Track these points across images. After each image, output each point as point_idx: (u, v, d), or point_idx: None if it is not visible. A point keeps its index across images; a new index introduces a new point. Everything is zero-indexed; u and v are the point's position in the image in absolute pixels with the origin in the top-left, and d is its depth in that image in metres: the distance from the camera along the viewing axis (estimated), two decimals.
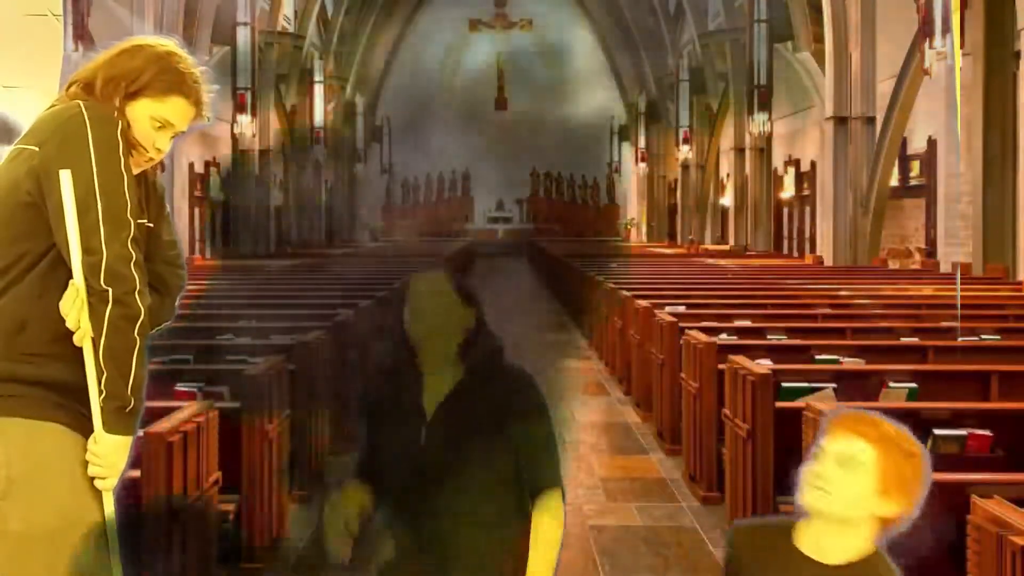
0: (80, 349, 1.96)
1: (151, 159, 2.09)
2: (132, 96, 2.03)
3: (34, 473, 1.94)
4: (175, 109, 2.06)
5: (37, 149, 1.95)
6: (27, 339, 1.96)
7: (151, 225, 2.10)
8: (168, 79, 2.05)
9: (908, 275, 13.46)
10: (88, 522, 1.98)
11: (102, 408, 1.95)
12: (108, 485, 1.98)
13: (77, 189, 1.91)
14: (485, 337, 2.21)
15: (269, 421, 4.50)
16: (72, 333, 1.95)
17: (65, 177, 1.91)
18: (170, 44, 2.10)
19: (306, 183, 30.19)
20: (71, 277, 1.94)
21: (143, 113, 2.04)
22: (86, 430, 1.99)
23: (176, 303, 2.19)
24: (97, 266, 1.90)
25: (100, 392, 1.94)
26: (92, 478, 1.99)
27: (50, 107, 2.05)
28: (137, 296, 1.93)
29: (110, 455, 1.96)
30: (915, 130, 18.06)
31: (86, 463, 1.99)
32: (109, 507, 2.01)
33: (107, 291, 1.90)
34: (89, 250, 1.90)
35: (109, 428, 1.95)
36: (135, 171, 2.04)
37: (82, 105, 1.97)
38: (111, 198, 1.92)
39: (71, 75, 2.11)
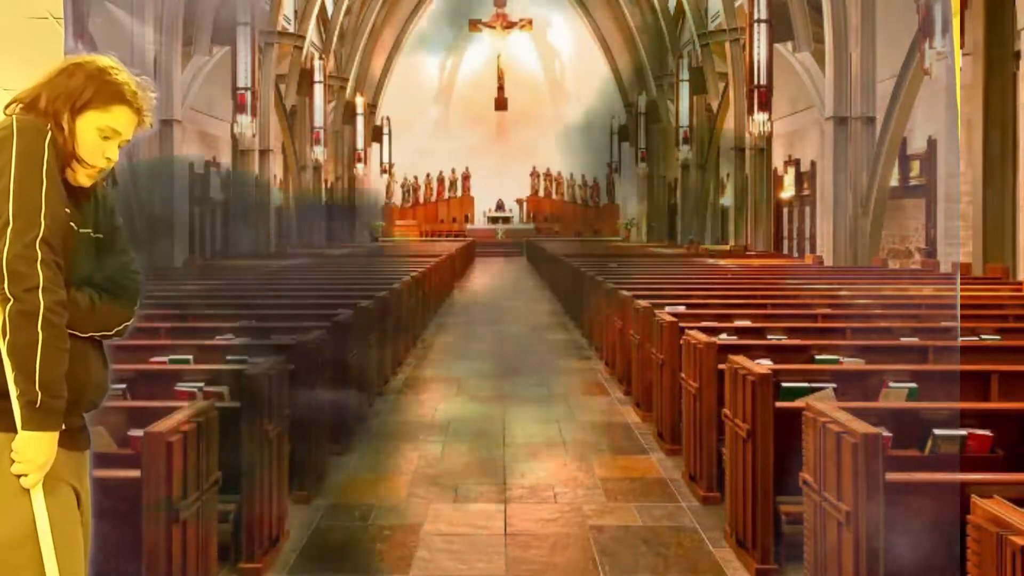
0: None
1: (102, 169, 2.19)
2: (79, 111, 2.14)
3: None
4: (120, 118, 2.18)
5: None
6: None
7: (99, 236, 2.20)
8: (110, 90, 2.16)
9: (908, 275, 13.46)
10: (56, 532, 2.04)
11: (17, 405, 2.01)
12: (30, 482, 2.03)
13: None
14: None
15: (269, 421, 4.51)
16: None
17: None
18: (105, 59, 2.21)
19: (306, 183, 30.19)
20: None
21: (91, 125, 2.15)
22: None
23: (136, 305, 2.27)
24: None
25: (15, 389, 2.00)
26: (70, 487, 2.07)
27: None
28: (40, 293, 1.98)
29: (26, 451, 2.02)
30: (915, 130, 18.06)
31: (53, 473, 2.06)
32: (42, 511, 2.04)
33: (4, 289, 1.97)
34: None
35: (23, 425, 2.01)
36: (87, 183, 2.16)
37: (15, 118, 2.08)
38: (24, 201, 2.00)
39: (12, 95, 2.21)
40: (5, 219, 1.99)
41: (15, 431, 2.02)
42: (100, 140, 2.16)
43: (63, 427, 2.08)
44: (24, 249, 1.98)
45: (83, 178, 2.15)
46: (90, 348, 2.17)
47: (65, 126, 2.11)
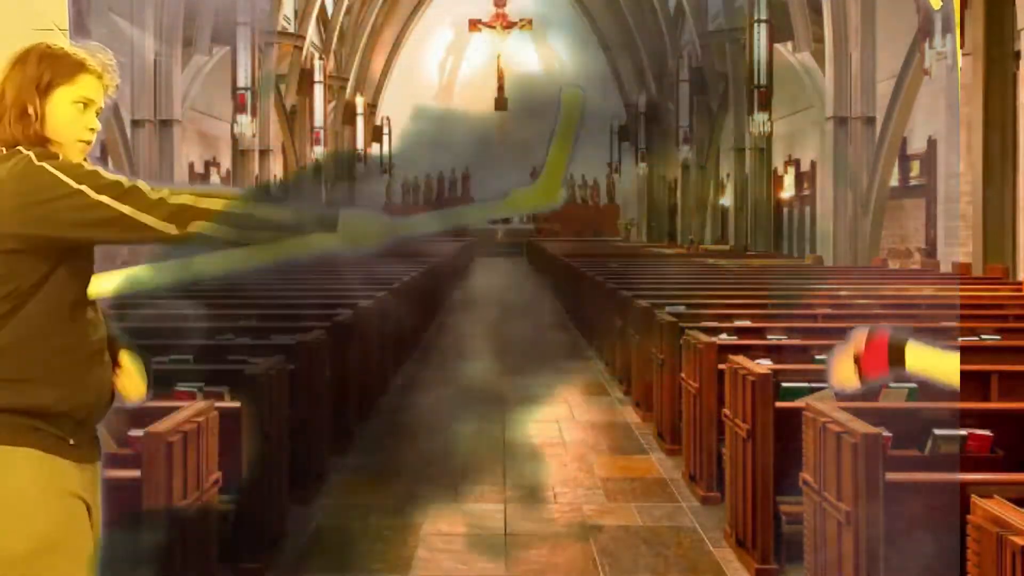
0: (68, 373, 2.02)
1: (89, 142, 2.14)
2: (46, 92, 2.08)
3: (5, 499, 1.96)
4: (88, 85, 2.13)
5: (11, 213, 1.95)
6: (4, 365, 1.97)
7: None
8: (67, 63, 2.11)
9: (908, 275, 13.46)
10: (66, 546, 2.00)
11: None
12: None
13: (82, 212, 1.93)
14: None
15: (269, 421, 4.50)
16: (61, 357, 2.00)
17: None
18: (44, 42, 2.16)
19: (306, 183, 30.21)
20: (59, 306, 1.99)
21: (64, 100, 2.09)
22: (65, 454, 2.02)
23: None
24: (158, 225, 1.94)
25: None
26: (81, 500, 2.04)
27: None
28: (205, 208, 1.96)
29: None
30: (915, 130, 18.08)
31: (64, 487, 2.02)
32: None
33: (180, 225, 1.94)
34: (144, 219, 1.94)
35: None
36: (80, 159, 2.10)
37: (24, 151, 2.00)
38: (112, 187, 1.95)
39: None
40: (133, 199, 1.94)
41: (59, 455, 2.00)
42: (79, 113, 2.11)
43: (71, 442, 2.04)
44: (156, 205, 1.94)
45: (72, 155, 2.10)
46: (99, 360, 2.14)
47: (33, 111, 2.05)
